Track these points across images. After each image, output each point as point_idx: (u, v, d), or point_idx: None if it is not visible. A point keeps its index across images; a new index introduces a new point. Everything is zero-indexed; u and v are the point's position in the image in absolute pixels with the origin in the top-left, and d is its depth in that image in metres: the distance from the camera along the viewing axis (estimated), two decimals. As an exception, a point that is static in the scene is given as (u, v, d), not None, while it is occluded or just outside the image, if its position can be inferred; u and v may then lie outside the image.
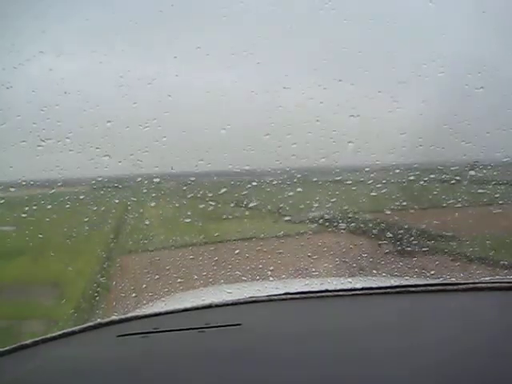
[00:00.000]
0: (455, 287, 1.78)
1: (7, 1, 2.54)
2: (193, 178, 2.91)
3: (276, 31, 2.89)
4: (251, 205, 3.04)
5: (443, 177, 2.91)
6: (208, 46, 2.70)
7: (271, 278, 2.52)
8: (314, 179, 3.19)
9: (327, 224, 3.05)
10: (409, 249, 2.96)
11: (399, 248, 2.97)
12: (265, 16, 2.81)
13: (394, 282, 2.00)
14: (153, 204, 3.25)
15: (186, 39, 2.76)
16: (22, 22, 2.63)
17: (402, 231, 3.02)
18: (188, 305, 1.84)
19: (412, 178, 2.94)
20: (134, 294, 2.82)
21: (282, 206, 3.38)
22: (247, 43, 2.66)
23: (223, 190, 2.93)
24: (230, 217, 3.32)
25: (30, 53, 2.53)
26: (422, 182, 2.94)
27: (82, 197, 3.06)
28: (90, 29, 2.66)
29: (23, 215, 2.78)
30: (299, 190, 2.90)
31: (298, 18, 2.84)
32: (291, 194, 2.92)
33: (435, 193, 3.09)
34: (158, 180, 2.86)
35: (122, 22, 2.76)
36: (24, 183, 2.67)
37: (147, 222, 3.47)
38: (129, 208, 3.64)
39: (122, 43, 2.69)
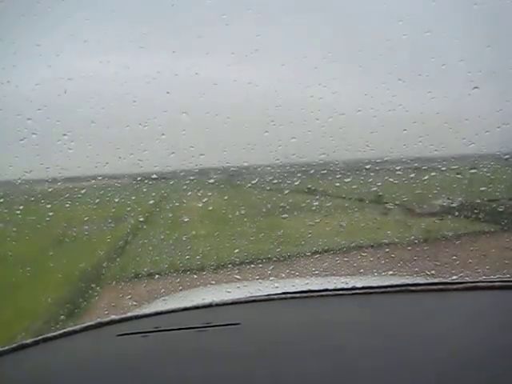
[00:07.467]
0: (455, 286, 1.78)
1: (7, 0, 2.53)
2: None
3: (276, 29, 2.89)
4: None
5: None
6: (208, 45, 2.71)
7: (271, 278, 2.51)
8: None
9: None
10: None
11: None
12: (265, 14, 2.81)
13: (394, 281, 2.00)
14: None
15: (185, 38, 2.75)
16: (22, 21, 2.63)
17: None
18: (188, 304, 1.84)
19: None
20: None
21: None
22: (247, 42, 2.67)
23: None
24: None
25: (30, 52, 2.54)
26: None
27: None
28: (90, 28, 2.66)
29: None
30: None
31: (298, 16, 2.84)
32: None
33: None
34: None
35: (122, 22, 2.76)
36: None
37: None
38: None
39: (121, 42, 2.68)
